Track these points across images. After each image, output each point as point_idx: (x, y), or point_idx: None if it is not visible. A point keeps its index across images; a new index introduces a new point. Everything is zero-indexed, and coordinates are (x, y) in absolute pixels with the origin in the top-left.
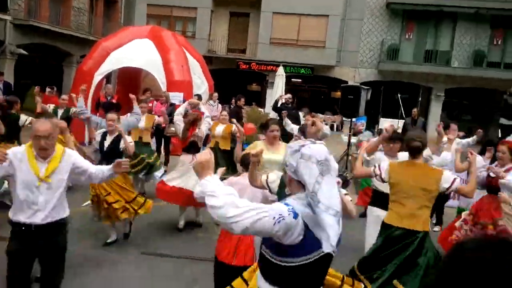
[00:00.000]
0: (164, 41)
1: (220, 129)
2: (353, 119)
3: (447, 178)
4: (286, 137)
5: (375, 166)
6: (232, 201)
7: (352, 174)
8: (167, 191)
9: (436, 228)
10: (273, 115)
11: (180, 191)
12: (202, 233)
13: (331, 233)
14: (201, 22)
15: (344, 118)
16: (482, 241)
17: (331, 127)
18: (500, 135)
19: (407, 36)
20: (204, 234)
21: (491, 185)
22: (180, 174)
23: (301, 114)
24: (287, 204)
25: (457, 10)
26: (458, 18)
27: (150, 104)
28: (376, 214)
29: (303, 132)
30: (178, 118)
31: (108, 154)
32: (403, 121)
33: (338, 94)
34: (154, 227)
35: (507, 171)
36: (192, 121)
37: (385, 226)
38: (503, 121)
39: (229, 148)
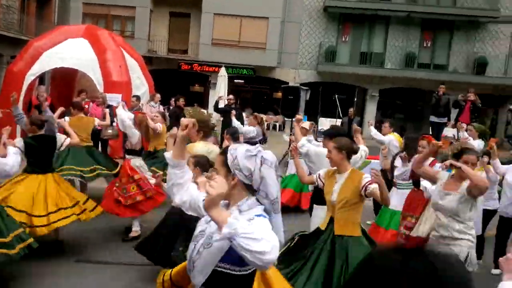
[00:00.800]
0: (100, 40)
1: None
2: (294, 119)
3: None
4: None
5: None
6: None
7: None
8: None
9: None
10: (216, 116)
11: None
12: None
13: (280, 238)
14: (140, 21)
15: (285, 118)
16: (390, 249)
17: (273, 127)
18: (431, 132)
19: (343, 39)
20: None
21: (414, 179)
22: None
23: (244, 114)
24: (263, 216)
25: (390, 14)
26: (391, 21)
27: (86, 106)
28: (320, 214)
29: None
30: (129, 124)
31: None
32: (341, 120)
33: (280, 94)
34: (90, 234)
35: (431, 164)
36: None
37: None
38: (433, 118)
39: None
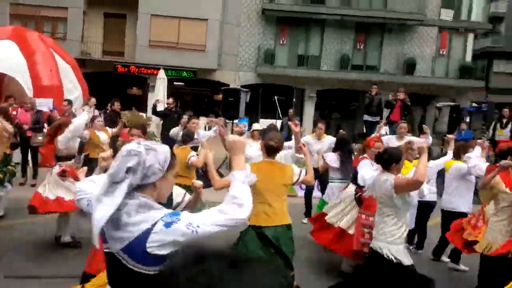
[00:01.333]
0: (28, 42)
1: (104, 136)
2: (235, 121)
3: (296, 171)
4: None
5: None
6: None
7: None
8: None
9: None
10: (155, 119)
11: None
12: (75, 250)
13: None
14: (73, 22)
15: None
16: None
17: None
18: (365, 131)
19: (281, 42)
20: (78, 251)
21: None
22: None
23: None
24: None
25: (325, 17)
26: (326, 24)
27: (14, 112)
28: None
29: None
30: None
31: None
32: (281, 121)
33: (220, 97)
34: (19, 247)
35: (362, 158)
36: (58, 126)
37: (254, 228)
38: (366, 117)
39: None
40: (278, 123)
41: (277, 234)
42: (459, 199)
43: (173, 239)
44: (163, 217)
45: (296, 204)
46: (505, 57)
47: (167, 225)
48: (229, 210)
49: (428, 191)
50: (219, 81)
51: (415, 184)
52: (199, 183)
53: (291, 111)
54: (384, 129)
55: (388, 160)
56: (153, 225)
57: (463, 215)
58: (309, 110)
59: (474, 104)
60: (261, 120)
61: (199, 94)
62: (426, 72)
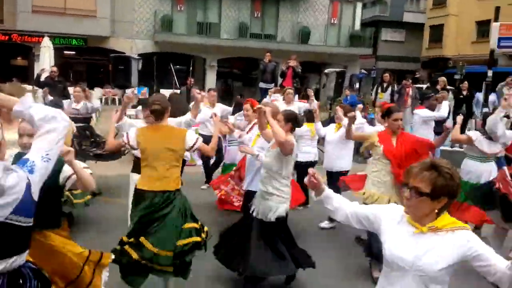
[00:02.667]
0: None
1: None
2: (128, 90)
3: (191, 137)
4: None
5: (123, 135)
6: None
7: None
8: None
9: None
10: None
11: None
12: None
13: None
14: None
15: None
16: None
17: (113, 101)
18: (261, 98)
19: (178, 8)
20: None
21: None
22: None
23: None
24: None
25: None
26: None
27: None
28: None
29: None
30: None
31: None
32: (179, 90)
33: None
34: None
35: (251, 128)
36: None
37: (138, 192)
38: (261, 85)
39: None
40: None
41: (160, 199)
42: (342, 160)
43: (41, 177)
44: (22, 168)
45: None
46: (390, 26)
47: (30, 171)
48: (50, 126)
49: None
50: (114, 49)
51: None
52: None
53: (190, 80)
54: (277, 96)
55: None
56: (27, 178)
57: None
58: (211, 79)
59: (363, 71)
60: (161, 90)
61: (93, 64)
62: (319, 40)
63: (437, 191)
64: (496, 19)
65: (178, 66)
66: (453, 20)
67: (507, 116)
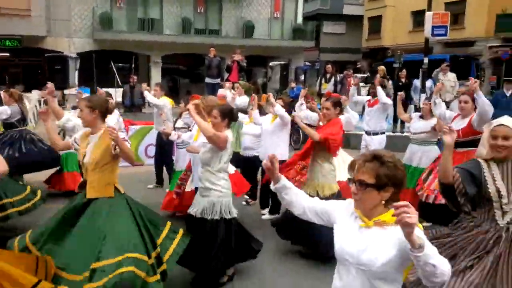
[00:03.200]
0: None
1: None
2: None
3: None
4: None
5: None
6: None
7: None
8: None
9: None
10: None
11: None
12: None
13: None
14: None
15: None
16: None
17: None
18: (207, 94)
19: (118, 5)
20: None
21: None
22: None
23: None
24: None
25: None
26: None
27: None
28: None
29: None
30: None
31: None
32: (122, 89)
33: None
34: None
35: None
36: None
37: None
38: (208, 80)
39: None
40: (119, 91)
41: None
42: (280, 149)
43: None
44: None
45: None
46: (331, 19)
47: None
48: None
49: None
50: (52, 49)
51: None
52: None
53: (133, 77)
54: (224, 91)
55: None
56: None
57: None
58: (156, 76)
59: (307, 63)
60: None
61: (29, 65)
62: (263, 34)
63: (381, 181)
64: (429, 9)
65: (120, 64)
66: (390, 11)
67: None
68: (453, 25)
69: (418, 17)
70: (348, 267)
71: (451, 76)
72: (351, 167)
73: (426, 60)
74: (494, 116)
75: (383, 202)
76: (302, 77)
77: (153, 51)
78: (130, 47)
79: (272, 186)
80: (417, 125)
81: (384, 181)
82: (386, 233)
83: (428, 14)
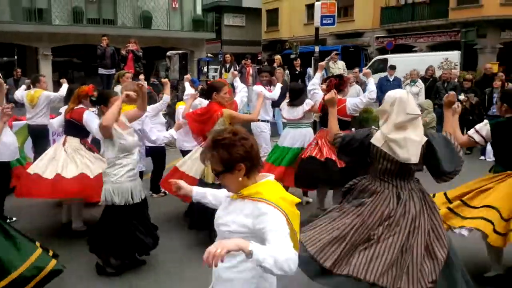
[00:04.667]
0: None
1: None
2: None
3: None
4: None
5: None
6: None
7: None
8: None
9: None
10: None
11: None
12: None
13: None
14: None
15: None
16: None
17: None
18: (102, 85)
19: None
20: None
21: None
22: None
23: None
24: None
25: None
26: None
27: None
28: None
29: None
30: None
31: None
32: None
33: None
34: None
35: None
36: None
37: None
38: (101, 71)
39: None
40: None
41: None
42: (189, 138)
43: None
44: None
45: None
46: (231, 11)
47: None
48: None
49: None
50: None
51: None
52: None
53: (18, 70)
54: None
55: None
56: None
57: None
58: (46, 70)
59: (209, 55)
60: None
61: None
62: (163, 25)
63: (228, 164)
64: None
65: (5, 58)
66: (286, 5)
67: None
68: (343, 18)
69: (311, 9)
70: (219, 237)
71: (341, 64)
72: (203, 159)
73: (317, 49)
74: (379, 99)
75: (242, 178)
76: (205, 69)
77: (41, 43)
78: (15, 38)
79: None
80: (287, 111)
81: (229, 163)
82: (244, 206)
83: (317, 4)
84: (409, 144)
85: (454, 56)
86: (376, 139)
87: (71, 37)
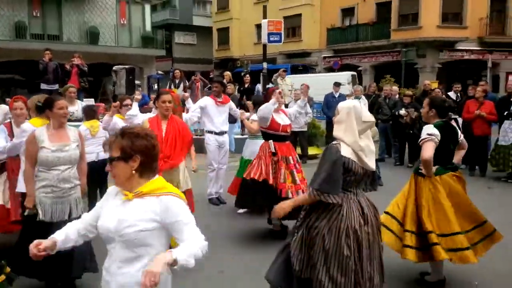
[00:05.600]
0: None
1: None
2: None
3: None
4: None
5: None
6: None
7: None
8: None
9: None
10: None
11: None
12: None
13: None
14: None
15: None
16: None
17: None
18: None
19: None
20: None
21: None
22: None
23: None
24: None
25: None
26: None
27: None
28: None
29: None
30: None
31: None
32: None
33: None
34: None
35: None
36: None
37: None
38: (44, 86)
39: None
40: None
41: None
42: None
43: None
44: None
45: None
46: (182, 29)
47: None
48: None
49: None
50: None
51: None
52: None
53: None
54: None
55: None
56: None
57: None
58: None
59: (160, 72)
60: None
61: None
62: (110, 41)
63: (126, 152)
64: (265, 17)
65: None
66: (236, 24)
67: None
68: (292, 38)
69: (260, 29)
70: (113, 243)
71: (289, 81)
72: (108, 144)
73: (265, 65)
74: (326, 115)
75: (136, 172)
76: (156, 86)
77: None
78: None
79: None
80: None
81: (128, 151)
82: (147, 203)
83: (264, 22)
84: (370, 153)
85: (344, 76)
86: (345, 151)
87: (13, 53)
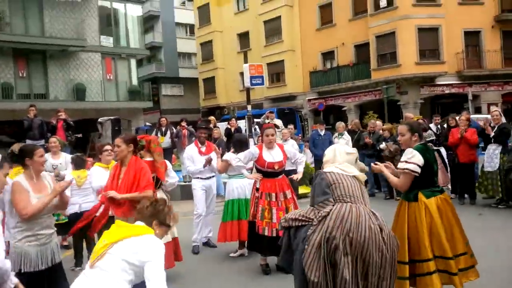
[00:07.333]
0: None
1: None
2: None
3: None
4: None
5: None
6: None
7: None
8: None
9: None
10: None
11: None
12: None
13: None
14: None
15: None
16: None
17: None
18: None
19: None
20: None
21: None
22: None
23: None
24: None
25: None
26: None
27: None
28: None
29: None
30: None
31: None
32: None
33: None
34: None
35: None
36: None
37: None
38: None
39: None
40: None
41: None
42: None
43: None
44: None
45: None
46: (169, 82)
47: None
48: None
49: None
50: None
51: None
52: None
53: None
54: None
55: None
56: None
57: None
58: None
59: (147, 123)
60: None
61: None
62: (97, 96)
63: None
64: (246, 62)
65: None
66: (221, 73)
67: None
68: (276, 83)
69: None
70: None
71: (278, 122)
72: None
73: (249, 108)
74: (313, 153)
75: None
76: None
77: None
78: None
79: None
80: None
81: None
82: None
83: (245, 66)
84: (351, 168)
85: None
86: (328, 168)
87: (0, 113)
